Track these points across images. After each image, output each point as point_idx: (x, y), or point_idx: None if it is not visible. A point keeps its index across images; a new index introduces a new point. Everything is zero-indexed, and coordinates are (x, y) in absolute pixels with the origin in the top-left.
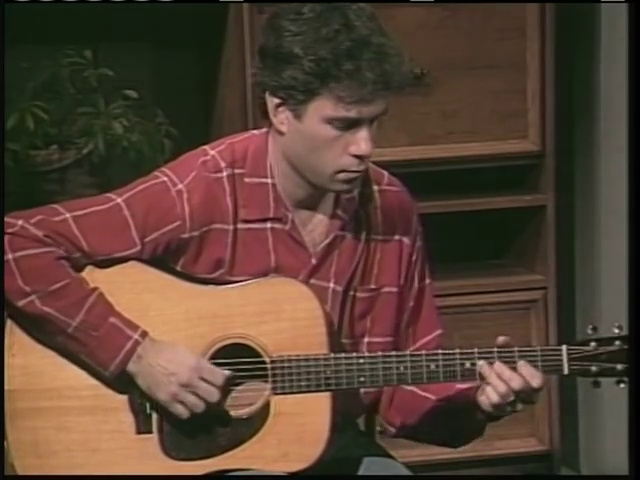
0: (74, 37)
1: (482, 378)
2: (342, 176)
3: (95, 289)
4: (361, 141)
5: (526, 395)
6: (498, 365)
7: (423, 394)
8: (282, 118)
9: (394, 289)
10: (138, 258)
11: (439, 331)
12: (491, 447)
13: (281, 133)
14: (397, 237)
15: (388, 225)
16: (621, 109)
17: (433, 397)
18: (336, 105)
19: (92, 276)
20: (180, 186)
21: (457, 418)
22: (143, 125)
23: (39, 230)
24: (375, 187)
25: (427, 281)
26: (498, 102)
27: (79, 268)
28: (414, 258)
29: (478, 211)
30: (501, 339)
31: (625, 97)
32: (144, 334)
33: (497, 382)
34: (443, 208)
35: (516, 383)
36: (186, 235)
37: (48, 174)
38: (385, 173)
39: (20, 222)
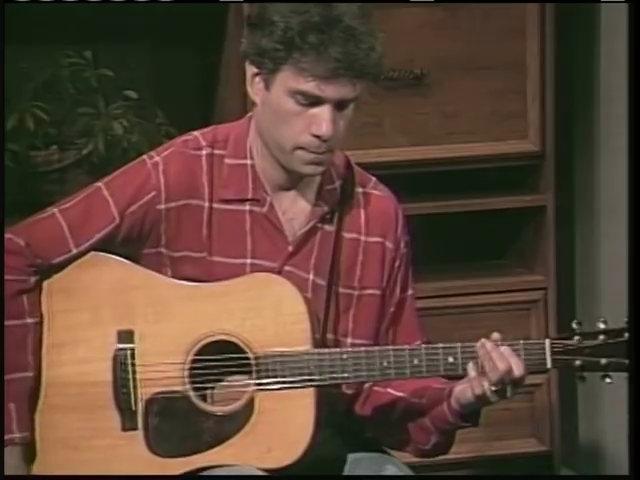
0: (74, 37)
1: (465, 371)
2: (300, 154)
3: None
4: (322, 122)
5: (506, 383)
6: (490, 345)
7: (397, 393)
8: (257, 89)
9: (377, 291)
10: (117, 234)
11: (419, 342)
12: (491, 447)
13: (255, 105)
14: (380, 239)
15: (371, 227)
16: (621, 109)
17: (405, 395)
18: (297, 77)
19: (81, 271)
20: (156, 158)
21: (425, 416)
22: (143, 125)
23: (21, 237)
24: (359, 189)
25: (409, 292)
26: (498, 103)
27: (63, 265)
28: (397, 264)
29: (478, 211)
30: (495, 335)
31: (625, 97)
32: (24, 439)
33: (489, 363)
34: (443, 209)
35: (502, 365)
36: (162, 206)
37: (48, 174)
38: (373, 178)
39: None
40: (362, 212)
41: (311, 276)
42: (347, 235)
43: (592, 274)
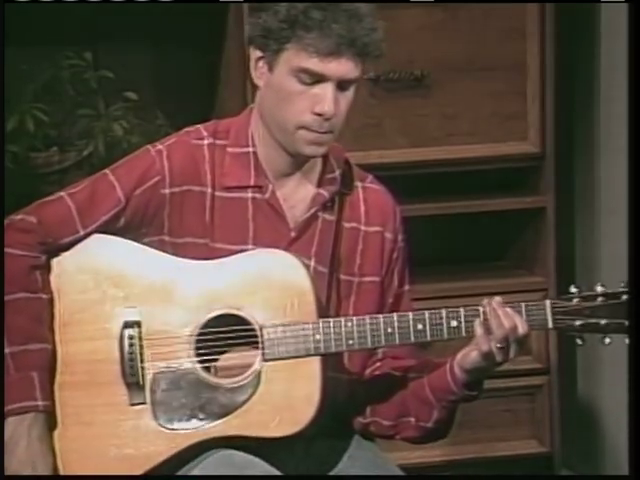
0: (74, 39)
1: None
2: (303, 133)
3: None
4: (325, 100)
5: (511, 341)
6: (496, 303)
7: (398, 373)
8: (260, 72)
9: (376, 279)
10: (121, 217)
11: None
12: (492, 448)
13: (258, 89)
14: (379, 229)
15: (370, 217)
16: (621, 110)
17: (406, 372)
18: (301, 53)
19: (88, 251)
20: (160, 147)
21: (427, 390)
22: (143, 127)
23: (33, 216)
24: (358, 183)
25: (406, 287)
26: (498, 104)
27: (68, 245)
28: (395, 256)
29: (478, 213)
30: (497, 298)
31: (625, 97)
32: (47, 407)
33: (495, 320)
34: (443, 210)
35: (508, 322)
36: (166, 190)
37: (48, 176)
38: (370, 175)
39: (20, 216)
40: (361, 203)
41: (312, 263)
42: (347, 224)
43: (592, 274)
